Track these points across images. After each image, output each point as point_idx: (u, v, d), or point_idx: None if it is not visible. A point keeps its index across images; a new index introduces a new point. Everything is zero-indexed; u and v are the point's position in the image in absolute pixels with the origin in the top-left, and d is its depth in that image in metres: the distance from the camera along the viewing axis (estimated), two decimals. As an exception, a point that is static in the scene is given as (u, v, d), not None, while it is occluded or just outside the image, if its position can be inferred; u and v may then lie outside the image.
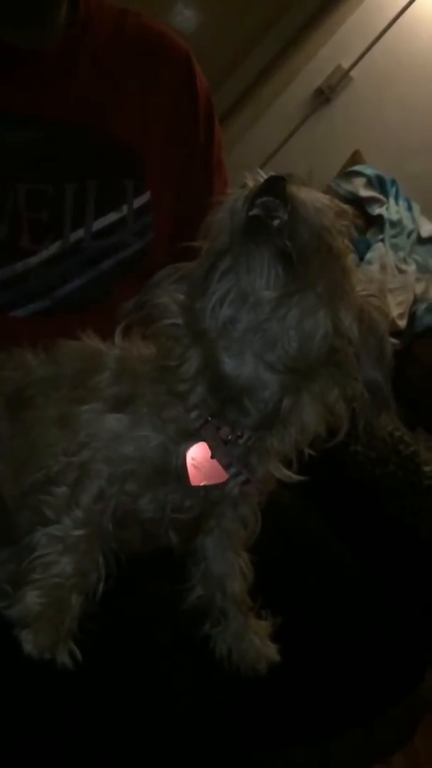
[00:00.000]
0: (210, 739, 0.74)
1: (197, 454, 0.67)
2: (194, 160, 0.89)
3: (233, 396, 0.66)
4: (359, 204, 2.61)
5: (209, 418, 0.67)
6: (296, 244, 0.61)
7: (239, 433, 0.67)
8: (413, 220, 2.68)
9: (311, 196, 0.65)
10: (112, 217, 0.83)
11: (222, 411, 0.67)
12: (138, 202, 0.84)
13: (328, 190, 2.62)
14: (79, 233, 0.81)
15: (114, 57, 0.86)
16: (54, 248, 0.79)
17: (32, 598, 0.66)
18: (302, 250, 0.62)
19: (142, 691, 0.71)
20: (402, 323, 2.57)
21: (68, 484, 0.69)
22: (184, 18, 2.63)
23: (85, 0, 0.86)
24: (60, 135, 0.82)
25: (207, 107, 0.91)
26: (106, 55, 0.86)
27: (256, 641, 0.81)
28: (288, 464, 0.74)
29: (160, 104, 0.87)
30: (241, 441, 0.68)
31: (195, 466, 0.67)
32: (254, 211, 0.63)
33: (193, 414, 0.68)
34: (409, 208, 2.69)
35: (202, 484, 0.68)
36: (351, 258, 0.70)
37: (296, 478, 0.73)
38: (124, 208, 0.83)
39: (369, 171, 2.63)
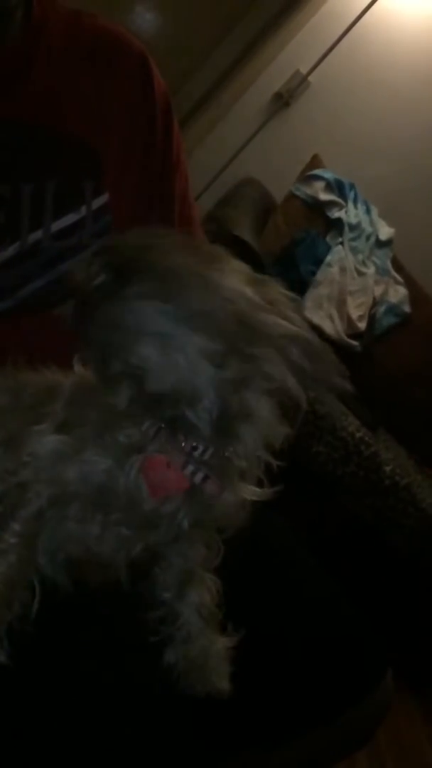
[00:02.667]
0: (173, 744, 0.74)
1: (151, 465, 0.65)
2: (153, 160, 0.89)
3: (174, 408, 0.63)
4: (319, 207, 2.64)
5: (162, 426, 0.65)
6: None
7: (194, 444, 0.64)
8: (372, 223, 2.71)
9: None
10: (71, 218, 0.82)
11: (173, 426, 0.64)
12: (97, 203, 0.84)
13: (290, 195, 2.64)
14: (38, 234, 0.80)
15: (69, 57, 0.86)
16: (12, 250, 0.79)
17: None
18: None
19: (100, 696, 0.71)
20: (362, 325, 2.60)
21: (8, 503, 0.67)
22: (143, 22, 2.62)
23: (39, 1, 0.85)
24: (16, 135, 0.81)
25: (164, 106, 0.91)
26: (61, 56, 0.85)
27: (211, 666, 0.78)
28: (259, 483, 0.71)
29: (116, 104, 0.86)
30: (197, 453, 0.64)
31: (150, 479, 0.65)
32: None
33: (145, 426, 0.65)
34: (368, 212, 2.72)
35: (162, 496, 0.66)
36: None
37: (269, 492, 0.71)
38: (83, 209, 0.83)
39: (328, 175, 2.65)
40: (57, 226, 0.81)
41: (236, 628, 0.79)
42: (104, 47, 0.87)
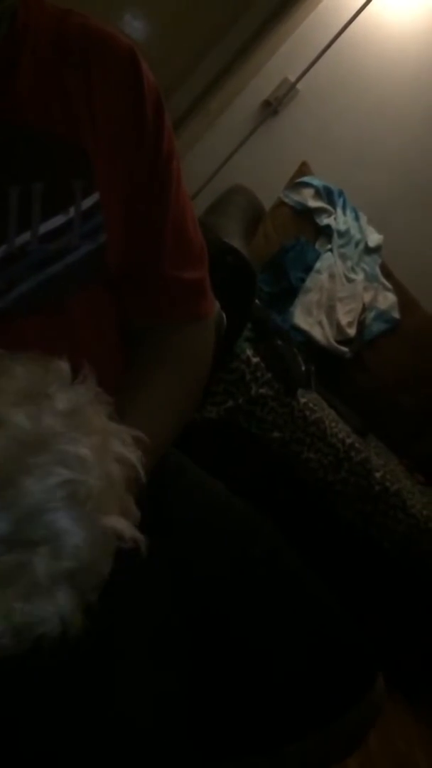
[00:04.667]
0: (167, 752, 0.74)
1: None
2: (143, 156, 0.89)
3: None
4: (308, 214, 2.65)
5: None
6: None
7: None
8: (360, 230, 2.73)
9: None
10: (59, 219, 0.82)
11: None
12: (86, 203, 0.83)
13: (279, 202, 2.65)
14: (25, 237, 0.80)
15: (57, 56, 0.85)
16: (1, 251, 0.79)
17: None
18: None
19: (93, 703, 0.71)
20: (351, 331, 2.61)
21: None
22: (131, 30, 2.63)
23: (25, 1, 0.85)
24: (1, 137, 0.81)
25: (155, 103, 0.90)
26: (48, 55, 0.85)
27: None
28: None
29: (105, 102, 0.86)
30: None
31: None
32: None
33: None
34: (357, 219, 2.74)
35: None
36: None
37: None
38: (72, 210, 0.82)
39: (317, 182, 2.67)
40: (45, 228, 0.80)
41: (225, 633, 0.79)
42: (92, 46, 0.87)
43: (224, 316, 1.55)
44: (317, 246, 2.63)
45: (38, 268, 0.80)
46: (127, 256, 0.87)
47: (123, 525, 0.58)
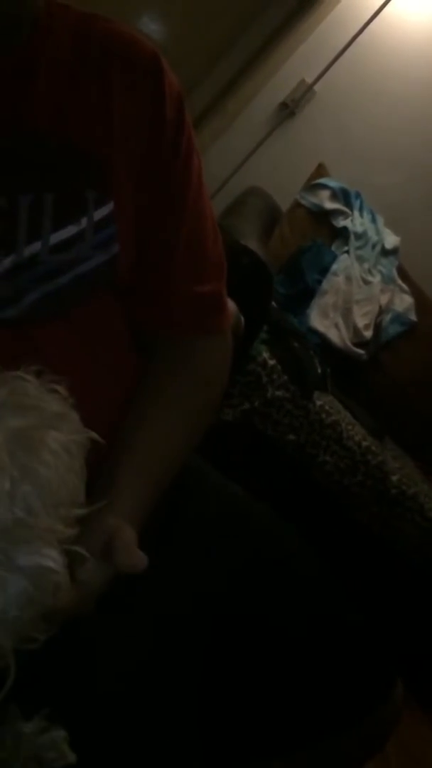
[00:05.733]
0: (183, 756, 0.74)
1: None
2: (160, 166, 0.87)
3: None
4: (325, 216, 2.64)
5: None
6: None
7: None
8: (377, 231, 2.72)
9: None
10: (70, 230, 0.80)
11: None
12: (99, 214, 0.82)
13: (295, 204, 2.64)
14: (35, 247, 0.79)
15: (77, 62, 0.84)
16: (8, 262, 0.78)
17: None
18: None
19: (100, 704, 0.70)
20: (368, 334, 2.60)
21: None
22: (148, 32, 2.64)
23: (48, 4, 0.84)
24: (15, 144, 0.80)
25: (176, 110, 0.88)
26: (68, 61, 0.84)
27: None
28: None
29: (123, 110, 0.85)
30: None
31: None
32: None
33: None
34: (374, 220, 2.72)
35: None
36: None
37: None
38: (84, 221, 0.81)
39: (333, 184, 2.66)
40: (56, 238, 0.79)
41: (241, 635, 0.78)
42: (114, 51, 0.86)
43: (242, 318, 1.54)
44: (334, 248, 2.62)
45: (47, 278, 0.79)
46: (139, 267, 0.86)
47: (51, 559, 0.53)
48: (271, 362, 2.00)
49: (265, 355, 1.99)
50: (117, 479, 0.77)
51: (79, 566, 0.59)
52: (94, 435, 0.62)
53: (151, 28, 2.65)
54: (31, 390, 0.61)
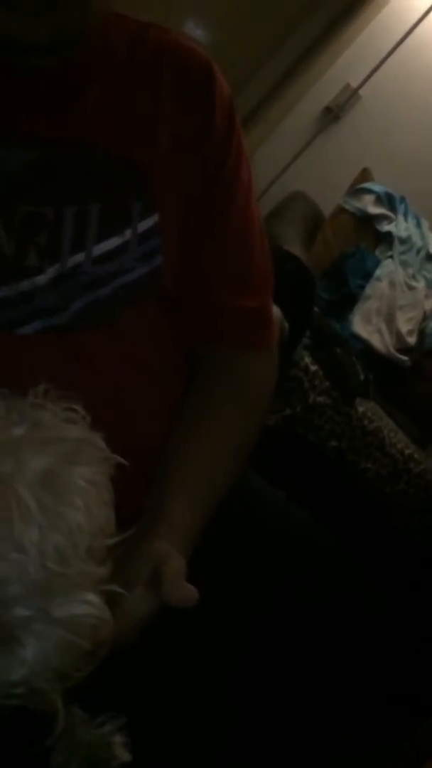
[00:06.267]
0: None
1: None
2: (207, 178, 0.87)
3: None
4: (369, 221, 2.62)
5: None
6: None
7: None
8: (422, 236, 2.69)
9: None
10: (114, 242, 0.80)
11: None
12: (144, 226, 0.82)
13: (339, 208, 2.63)
14: (79, 258, 0.79)
15: (129, 72, 0.84)
16: (52, 271, 0.78)
17: None
18: None
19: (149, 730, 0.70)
20: (411, 340, 2.57)
21: None
22: (193, 36, 2.64)
23: (105, 17, 0.84)
24: (62, 156, 0.81)
25: (226, 121, 0.87)
26: (120, 73, 0.84)
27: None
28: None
29: (173, 120, 0.84)
30: None
31: None
32: None
33: None
34: (418, 225, 2.70)
35: None
36: None
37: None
38: (128, 233, 0.81)
39: (378, 188, 2.64)
40: (99, 249, 0.80)
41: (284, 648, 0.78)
42: (168, 60, 0.85)
43: (286, 324, 1.54)
44: (377, 253, 2.59)
45: (90, 288, 0.79)
46: (182, 279, 0.85)
47: (87, 604, 0.52)
48: (313, 368, 1.98)
49: (307, 360, 1.98)
50: (165, 505, 0.77)
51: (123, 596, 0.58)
52: (119, 459, 0.61)
53: (195, 33, 2.66)
54: (47, 419, 0.60)
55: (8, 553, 0.50)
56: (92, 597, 0.52)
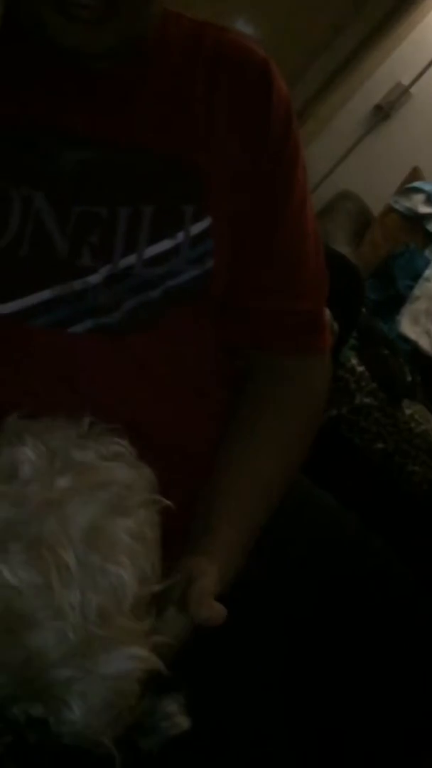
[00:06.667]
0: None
1: None
2: (262, 176, 0.86)
3: None
4: (418, 220, 2.59)
5: None
6: None
7: None
8: (473, 237, 2.65)
9: None
10: (165, 244, 0.80)
11: None
12: (196, 229, 0.81)
13: (388, 208, 2.60)
14: (130, 259, 0.79)
15: (185, 74, 0.83)
16: (105, 271, 0.79)
17: None
18: None
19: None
20: (461, 341, 2.54)
21: None
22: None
23: (163, 17, 0.83)
24: (117, 157, 0.81)
25: (283, 121, 0.85)
26: (176, 72, 0.83)
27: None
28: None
29: (228, 120, 0.84)
30: None
31: None
32: None
33: None
34: (469, 225, 2.66)
35: None
36: None
37: None
38: (180, 235, 0.80)
39: (428, 187, 2.60)
40: (151, 252, 0.79)
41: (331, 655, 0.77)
42: (224, 59, 0.85)
43: (336, 325, 1.53)
44: (427, 253, 2.56)
45: (139, 290, 0.79)
46: (233, 282, 0.84)
47: (133, 659, 0.51)
48: (360, 369, 1.96)
49: (354, 361, 1.96)
50: (209, 527, 0.76)
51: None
52: (167, 502, 0.61)
53: (245, 29, 2.66)
54: (92, 459, 0.59)
55: (48, 621, 0.50)
56: (138, 650, 0.52)
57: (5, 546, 0.52)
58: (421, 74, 2.65)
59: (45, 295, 0.77)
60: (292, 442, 0.86)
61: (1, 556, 0.51)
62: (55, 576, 0.50)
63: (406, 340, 2.42)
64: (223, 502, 0.78)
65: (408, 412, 2.01)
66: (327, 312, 0.93)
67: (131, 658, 0.51)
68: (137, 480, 0.59)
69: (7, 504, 0.54)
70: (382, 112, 2.72)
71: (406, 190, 2.62)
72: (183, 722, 0.62)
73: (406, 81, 2.68)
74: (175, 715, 0.63)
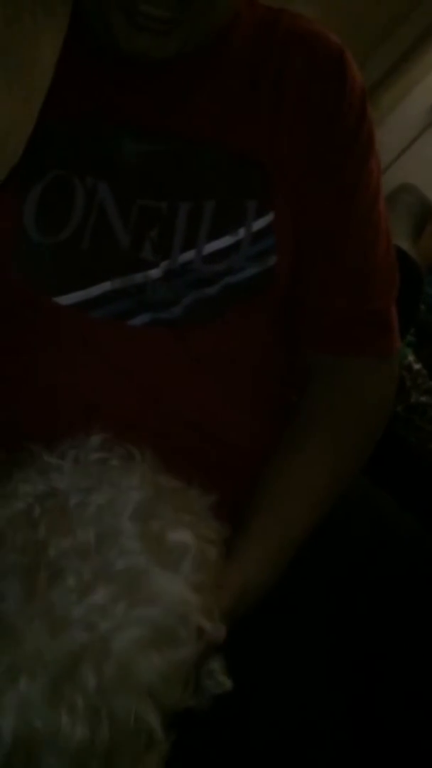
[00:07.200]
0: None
1: None
2: (331, 168, 0.82)
3: None
4: None
5: None
6: None
7: None
8: None
9: None
10: (226, 240, 0.78)
11: None
12: (258, 225, 0.79)
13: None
14: (189, 255, 0.78)
15: (255, 63, 0.81)
16: (164, 266, 0.78)
17: None
18: None
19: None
20: None
21: None
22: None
23: (235, 5, 0.79)
24: (179, 150, 0.79)
25: (356, 110, 0.83)
26: (245, 62, 0.81)
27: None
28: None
29: (298, 111, 0.81)
30: None
31: None
32: None
33: None
34: None
35: None
36: None
37: None
38: (241, 231, 0.79)
39: None
40: (210, 248, 0.78)
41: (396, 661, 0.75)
42: (297, 50, 0.83)
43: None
44: None
45: (197, 285, 0.78)
46: (297, 279, 0.82)
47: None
48: (417, 366, 1.94)
49: (411, 358, 1.94)
50: (247, 530, 0.75)
51: None
52: (221, 633, 0.60)
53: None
54: (144, 563, 0.57)
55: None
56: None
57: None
58: None
59: (105, 287, 0.77)
60: (347, 453, 0.84)
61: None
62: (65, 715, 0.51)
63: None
64: (261, 517, 0.77)
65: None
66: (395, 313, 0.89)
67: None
68: (192, 600, 0.58)
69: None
70: (444, 105, 2.68)
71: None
72: (226, 682, 0.63)
73: (469, 73, 2.63)
74: (219, 674, 0.63)
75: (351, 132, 0.83)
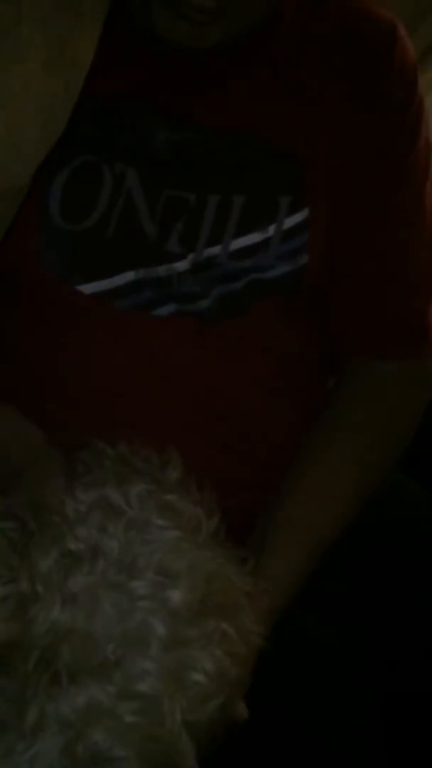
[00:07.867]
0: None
1: None
2: (375, 162, 0.79)
3: None
4: None
5: None
6: None
7: None
8: None
9: None
10: (254, 237, 0.76)
11: None
12: (290, 222, 0.76)
13: None
14: (214, 250, 0.76)
15: (298, 51, 0.79)
16: (191, 258, 0.77)
17: None
18: None
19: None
20: None
21: None
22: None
23: None
24: (211, 141, 0.77)
25: (405, 95, 0.79)
26: (288, 50, 0.79)
27: None
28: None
29: (340, 105, 0.78)
30: None
31: None
32: None
33: None
34: None
35: None
36: None
37: None
38: (271, 229, 0.76)
39: None
40: (237, 244, 0.76)
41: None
42: (345, 33, 0.79)
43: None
44: None
45: (223, 280, 0.77)
46: (328, 277, 0.79)
47: None
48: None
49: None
50: (270, 545, 0.73)
51: None
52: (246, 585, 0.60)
53: None
54: (180, 547, 0.56)
55: None
56: None
57: None
58: None
59: (129, 276, 0.75)
60: (374, 462, 0.81)
61: None
62: None
63: None
64: (285, 532, 0.75)
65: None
66: None
67: None
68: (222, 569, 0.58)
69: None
70: None
71: None
72: (243, 711, 0.62)
73: None
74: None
75: (396, 119, 0.79)
